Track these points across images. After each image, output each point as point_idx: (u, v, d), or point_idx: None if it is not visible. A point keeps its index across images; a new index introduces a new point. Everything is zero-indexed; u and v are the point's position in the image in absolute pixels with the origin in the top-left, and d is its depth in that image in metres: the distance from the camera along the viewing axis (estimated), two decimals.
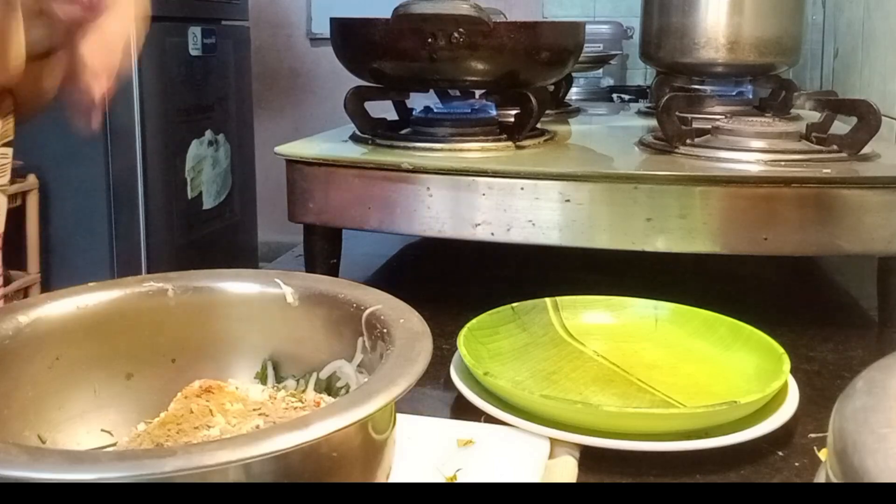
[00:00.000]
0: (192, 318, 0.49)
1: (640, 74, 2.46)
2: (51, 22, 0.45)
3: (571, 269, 0.83)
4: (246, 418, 0.44)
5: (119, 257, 2.41)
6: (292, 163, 0.79)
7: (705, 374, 0.60)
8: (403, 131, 0.87)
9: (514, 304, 0.67)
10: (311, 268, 0.82)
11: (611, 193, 0.71)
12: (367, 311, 0.45)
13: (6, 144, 0.46)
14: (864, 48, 1.21)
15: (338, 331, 0.47)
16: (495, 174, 0.72)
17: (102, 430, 0.45)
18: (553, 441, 0.51)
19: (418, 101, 0.92)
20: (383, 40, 0.81)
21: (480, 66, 0.81)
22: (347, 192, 0.76)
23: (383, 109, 0.91)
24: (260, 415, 0.45)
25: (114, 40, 0.45)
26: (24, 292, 2.31)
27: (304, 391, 0.48)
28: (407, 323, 0.43)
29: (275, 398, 0.47)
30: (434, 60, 0.79)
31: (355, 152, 0.80)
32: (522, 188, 0.72)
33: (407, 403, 0.42)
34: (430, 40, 0.78)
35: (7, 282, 2.27)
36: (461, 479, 0.47)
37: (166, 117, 2.44)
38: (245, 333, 0.49)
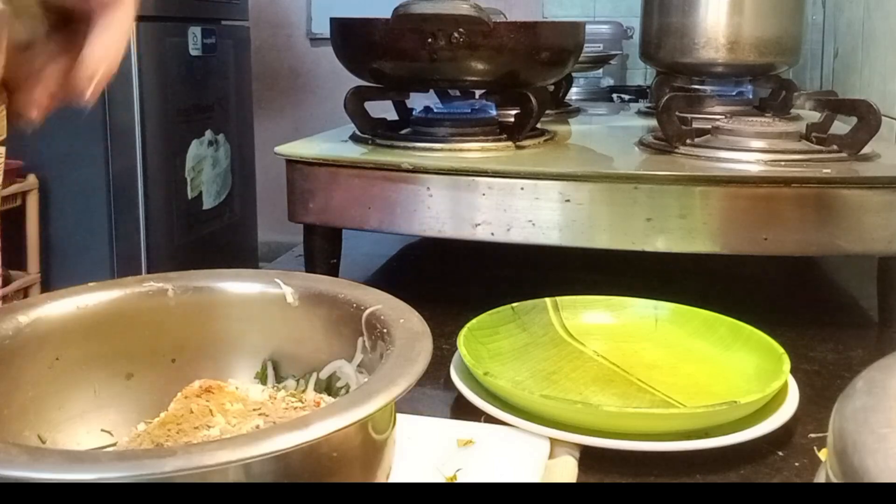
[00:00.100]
0: (192, 318, 0.49)
1: (640, 74, 2.46)
2: (44, 11, 0.44)
3: (571, 269, 0.83)
4: (246, 418, 0.44)
5: (119, 257, 2.41)
6: (292, 163, 0.79)
7: (705, 374, 0.60)
8: (403, 131, 0.87)
9: (514, 304, 0.67)
10: (311, 268, 0.82)
11: (611, 193, 0.71)
12: (367, 311, 0.45)
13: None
14: (864, 48, 1.21)
15: (338, 331, 0.47)
16: (495, 174, 0.72)
17: (102, 430, 0.45)
18: (553, 441, 0.51)
19: (418, 101, 0.92)
20: (383, 40, 0.81)
21: (480, 66, 0.81)
22: (347, 192, 0.76)
23: (383, 109, 0.91)
24: (260, 415, 0.45)
25: (120, 35, 0.45)
26: (24, 292, 2.31)
27: (304, 391, 0.48)
28: (407, 323, 0.43)
29: (275, 398, 0.47)
30: (434, 60, 0.79)
31: (355, 152, 0.80)
32: (522, 188, 0.72)
33: (407, 403, 0.42)
34: (430, 40, 0.78)
35: (7, 282, 2.27)
36: (461, 479, 0.47)
37: (166, 117, 2.44)
38: (245, 333, 0.49)
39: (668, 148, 0.80)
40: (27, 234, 2.36)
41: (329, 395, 0.47)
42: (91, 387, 0.45)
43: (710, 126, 0.82)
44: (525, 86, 0.85)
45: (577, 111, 1.23)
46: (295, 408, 0.46)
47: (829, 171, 0.71)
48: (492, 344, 0.62)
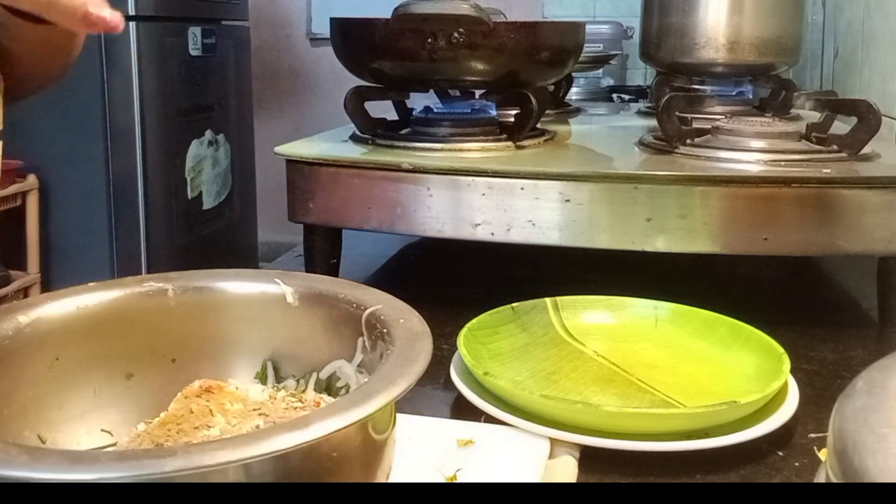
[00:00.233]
0: (192, 318, 0.49)
1: (640, 74, 2.46)
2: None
3: (571, 269, 0.83)
4: (246, 418, 0.44)
5: (119, 257, 2.41)
6: (292, 163, 0.79)
7: (705, 374, 0.60)
8: (403, 131, 0.87)
9: (514, 304, 0.67)
10: (311, 268, 0.82)
11: (611, 193, 0.71)
12: (367, 311, 0.45)
13: None
14: (864, 48, 1.21)
15: (338, 331, 0.47)
16: (495, 174, 0.72)
17: (102, 430, 0.45)
18: (553, 441, 0.51)
19: (418, 101, 0.92)
20: (383, 40, 0.81)
21: (480, 66, 0.81)
22: (347, 192, 0.76)
23: (383, 109, 0.91)
24: (260, 415, 0.45)
25: None
26: (24, 292, 2.31)
27: (304, 391, 0.48)
28: (407, 323, 0.43)
29: (275, 398, 0.47)
30: (434, 60, 0.79)
31: (355, 152, 0.80)
32: (522, 188, 0.72)
33: (407, 403, 0.42)
34: (430, 40, 0.78)
35: (7, 282, 2.27)
36: (461, 479, 0.47)
37: (166, 117, 2.44)
38: (245, 333, 0.49)
39: (668, 148, 0.80)
40: (27, 234, 2.36)
41: (329, 395, 0.47)
42: (91, 387, 0.45)
43: (710, 126, 0.82)
44: (525, 86, 0.85)
45: (577, 111, 1.23)
46: (295, 408, 0.46)
47: (829, 171, 0.71)
48: (492, 344, 0.62)
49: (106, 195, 2.38)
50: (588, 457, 0.50)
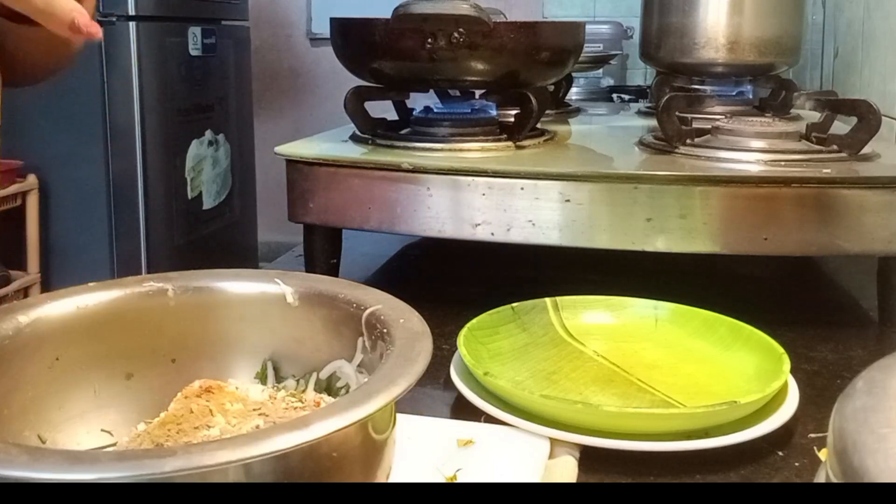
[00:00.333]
0: (191, 318, 0.49)
1: (640, 74, 2.46)
2: None
3: (571, 269, 0.83)
4: (246, 418, 0.44)
5: (119, 257, 2.41)
6: (292, 163, 0.79)
7: (705, 374, 0.60)
8: (403, 131, 0.87)
9: (514, 304, 0.67)
10: (311, 268, 0.82)
11: (611, 193, 0.71)
12: (367, 311, 0.45)
13: None
14: (864, 48, 1.21)
15: (338, 331, 0.47)
16: (495, 174, 0.72)
17: (102, 430, 0.45)
18: (553, 441, 0.51)
19: (418, 101, 0.92)
20: (383, 40, 0.81)
21: (480, 66, 0.81)
22: (347, 192, 0.76)
23: (383, 109, 0.91)
24: (260, 415, 0.45)
25: None
26: (24, 292, 2.31)
27: (304, 391, 0.48)
28: (407, 323, 0.43)
29: (275, 398, 0.47)
30: (434, 60, 0.79)
31: (355, 152, 0.80)
32: (522, 188, 0.72)
33: (407, 403, 0.42)
34: (430, 40, 0.78)
35: (7, 282, 2.27)
36: (461, 479, 0.47)
37: (166, 117, 2.44)
38: (245, 333, 0.49)
39: (668, 148, 0.80)
40: (27, 234, 2.36)
41: (329, 395, 0.47)
42: (91, 387, 0.45)
43: (710, 126, 0.82)
44: (525, 86, 0.85)
45: (577, 111, 1.23)
46: (295, 408, 0.46)
47: (829, 171, 0.71)
48: (492, 344, 0.62)
49: (106, 195, 2.38)
50: (588, 457, 0.50)
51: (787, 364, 0.56)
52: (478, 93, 0.89)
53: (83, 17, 0.48)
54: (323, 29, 3.09)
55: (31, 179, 2.35)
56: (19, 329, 0.43)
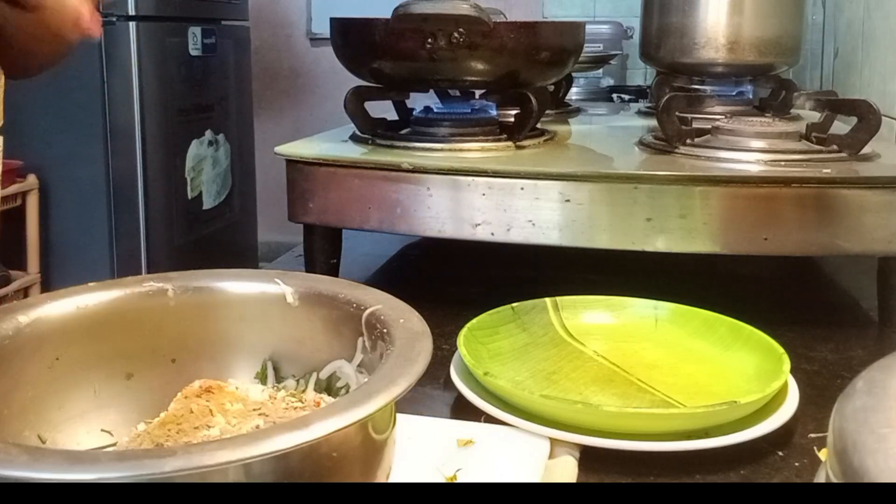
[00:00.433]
0: (192, 318, 0.49)
1: (640, 74, 2.46)
2: None
3: (571, 269, 0.83)
4: (246, 418, 0.44)
5: (119, 257, 2.41)
6: (292, 163, 0.79)
7: (705, 374, 0.60)
8: (403, 131, 0.87)
9: (514, 304, 0.67)
10: (311, 268, 0.82)
11: (611, 193, 0.71)
12: (367, 311, 0.45)
13: None
14: (864, 48, 1.21)
15: (338, 331, 0.47)
16: (495, 174, 0.72)
17: (102, 430, 0.45)
18: (553, 441, 0.51)
19: (418, 101, 0.92)
20: (383, 40, 0.81)
21: (480, 66, 0.81)
22: (347, 192, 0.76)
23: (383, 109, 0.91)
24: (260, 415, 0.45)
25: None
26: (24, 292, 2.31)
27: (304, 391, 0.48)
28: (407, 323, 0.43)
29: (275, 398, 0.47)
30: (434, 60, 0.79)
31: (355, 152, 0.80)
32: (522, 188, 0.72)
33: (407, 403, 0.42)
34: (430, 40, 0.78)
35: (7, 282, 2.27)
36: (461, 479, 0.47)
37: (166, 117, 2.44)
38: (245, 333, 0.49)
39: (668, 148, 0.80)
40: (27, 234, 2.36)
41: (329, 395, 0.47)
42: (91, 387, 0.45)
43: (710, 126, 0.82)
44: (525, 86, 0.85)
45: (577, 111, 1.23)
46: (295, 408, 0.46)
47: (829, 171, 0.71)
48: (492, 344, 0.62)
49: (106, 195, 2.38)
50: (588, 457, 0.50)
51: (787, 364, 0.56)
52: (478, 93, 0.89)
53: (87, 16, 0.47)
54: (323, 29, 3.09)
55: (32, 179, 2.35)
56: (19, 329, 0.43)
